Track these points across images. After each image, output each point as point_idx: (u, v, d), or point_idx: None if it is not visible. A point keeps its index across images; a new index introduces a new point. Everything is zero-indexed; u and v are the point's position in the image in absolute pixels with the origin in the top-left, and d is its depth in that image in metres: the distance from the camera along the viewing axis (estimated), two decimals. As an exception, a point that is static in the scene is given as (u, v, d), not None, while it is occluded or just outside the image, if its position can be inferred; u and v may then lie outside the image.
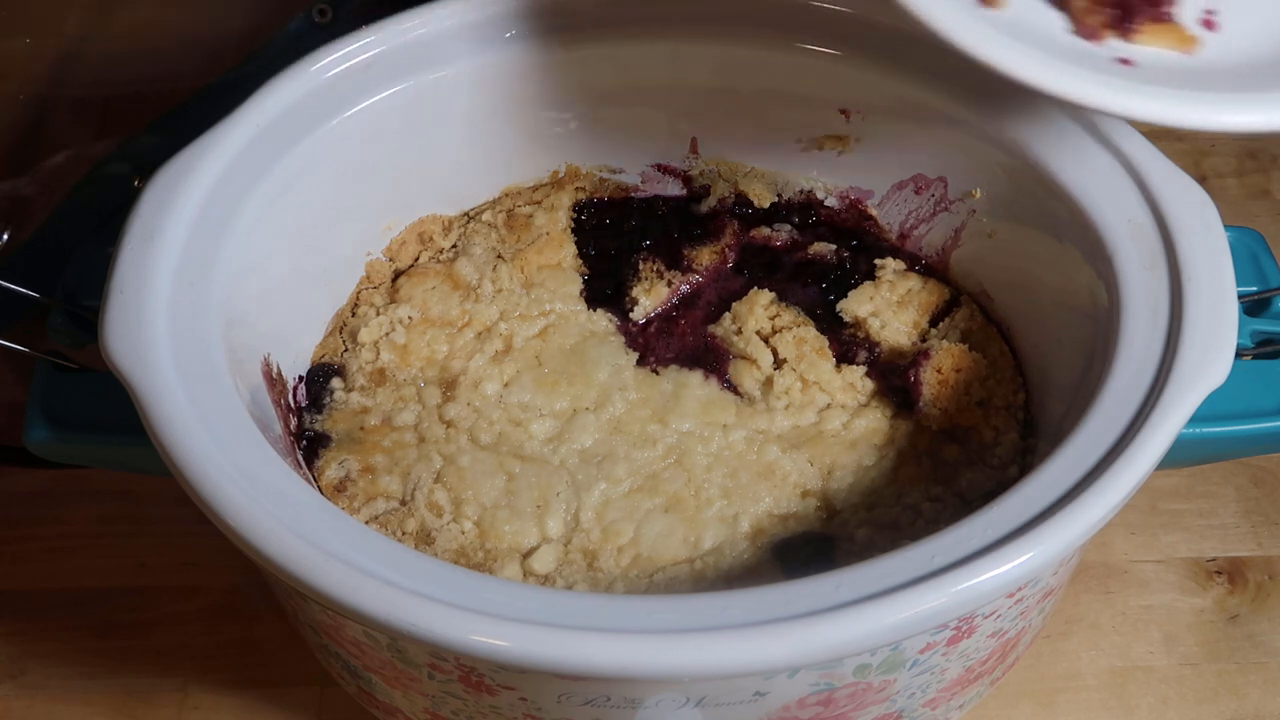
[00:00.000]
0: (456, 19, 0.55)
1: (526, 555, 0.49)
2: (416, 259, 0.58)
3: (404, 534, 0.49)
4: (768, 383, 0.54)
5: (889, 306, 0.56)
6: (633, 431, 0.52)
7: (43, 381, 0.50)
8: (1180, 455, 0.44)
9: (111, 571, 0.63)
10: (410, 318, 0.56)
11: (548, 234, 0.58)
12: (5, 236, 0.59)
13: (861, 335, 0.56)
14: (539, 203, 0.60)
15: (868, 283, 0.57)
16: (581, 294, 0.58)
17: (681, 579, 0.48)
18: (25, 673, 0.60)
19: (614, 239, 0.60)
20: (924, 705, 0.47)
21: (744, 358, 0.55)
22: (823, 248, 0.60)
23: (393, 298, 0.57)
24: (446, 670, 0.42)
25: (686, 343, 0.56)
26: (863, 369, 0.54)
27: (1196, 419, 0.43)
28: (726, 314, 0.57)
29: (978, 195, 0.55)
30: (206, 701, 0.59)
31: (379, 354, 0.55)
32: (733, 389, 0.54)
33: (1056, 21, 0.43)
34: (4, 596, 0.63)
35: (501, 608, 0.38)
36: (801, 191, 0.60)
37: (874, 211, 0.60)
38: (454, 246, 0.59)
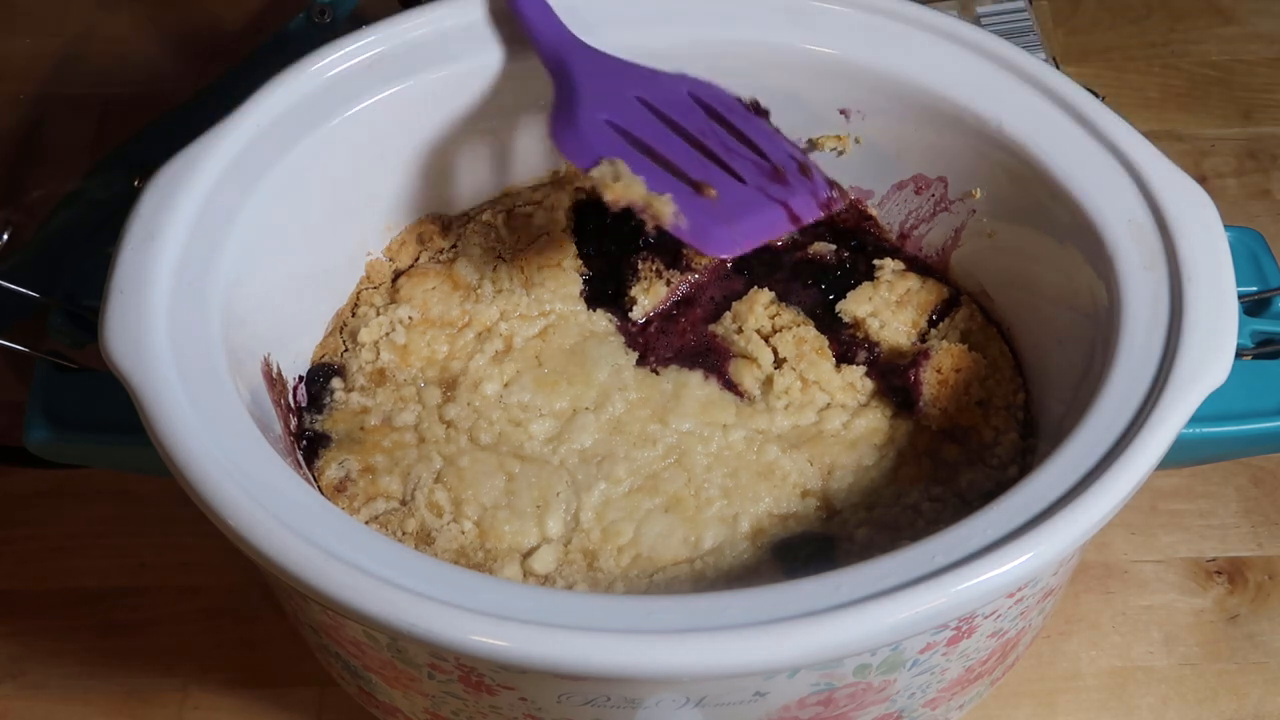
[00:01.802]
0: (456, 19, 0.55)
1: (526, 555, 0.49)
2: (416, 259, 0.58)
3: (404, 534, 0.49)
4: (768, 382, 0.54)
5: (888, 306, 0.56)
6: (633, 431, 0.52)
7: (43, 381, 0.50)
8: (1180, 455, 0.44)
9: (111, 571, 0.63)
10: (410, 318, 0.56)
11: (548, 234, 0.58)
12: (5, 236, 0.59)
13: (861, 335, 0.56)
14: (539, 203, 0.60)
15: (866, 283, 0.57)
16: (581, 294, 0.57)
17: (681, 579, 0.48)
18: (25, 673, 0.60)
19: (614, 239, 0.60)
20: (924, 705, 0.47)
21: (744, 356, 0.55)
22: (823, 248, 0.60)
23: (393, 298, 0.57)
24: (446, 670, 0.42)
25: (686, 342, 0.56)
26: (863, 369, 0.54)
27: (1196, 419, 0.43)
28: (727, 313, 0.57)
29: (978, 195, 0.55)
30: (206, 701, 0.59)
31: (379, 354, 0.55)
32: (733, 389, 0.54)
33: None
34: (4, 596, 0.63)
35: (501, 608, 0.38)
36: (801, 191, 0.60)
37: (874, 211, 0.60)
38: (454, 247, 0.59)
